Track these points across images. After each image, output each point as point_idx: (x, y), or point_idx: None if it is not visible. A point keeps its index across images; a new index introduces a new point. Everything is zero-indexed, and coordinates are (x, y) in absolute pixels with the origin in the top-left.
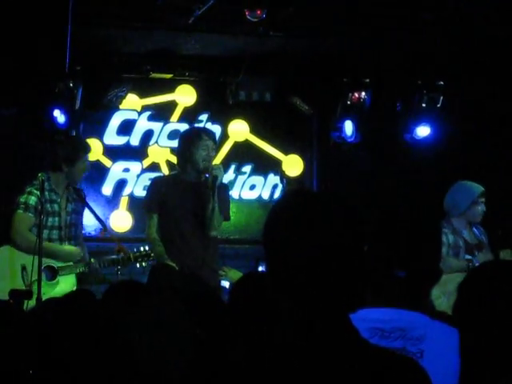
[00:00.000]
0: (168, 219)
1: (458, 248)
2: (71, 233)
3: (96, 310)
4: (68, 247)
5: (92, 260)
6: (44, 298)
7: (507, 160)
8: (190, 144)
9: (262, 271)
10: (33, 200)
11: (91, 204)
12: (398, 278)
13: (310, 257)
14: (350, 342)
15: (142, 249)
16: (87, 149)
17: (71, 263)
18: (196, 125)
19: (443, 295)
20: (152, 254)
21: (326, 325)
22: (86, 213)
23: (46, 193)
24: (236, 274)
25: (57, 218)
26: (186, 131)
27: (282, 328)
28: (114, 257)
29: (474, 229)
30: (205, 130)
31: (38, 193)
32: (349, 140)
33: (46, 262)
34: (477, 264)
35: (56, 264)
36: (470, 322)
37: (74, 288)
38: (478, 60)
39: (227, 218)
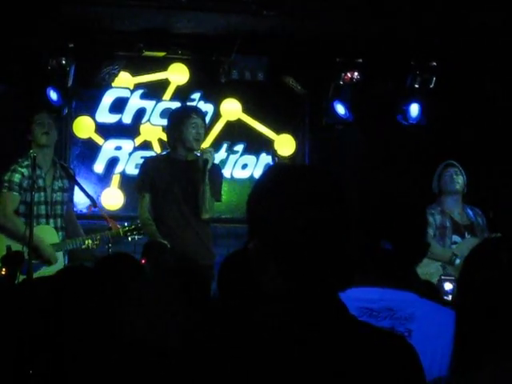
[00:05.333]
0: (159, 199)
1: (445, 228)
2: (57, 210)
3: (89, 285)
4: (51, 250)
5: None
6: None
7: (499, 141)
8: (179, 122)
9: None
10: (16, 177)
11: (83, 181)
12: (386, 254)
13: (295, 232)
14: (339, 318)
15: (132, 223)
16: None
17: (58, 241)
18: (188, 103)
19: (422, 276)
20: (142, 231)
21: (314, 302)
22: (76, 190)
23: (30, 169)
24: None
25: (42, 193)
26: (175, 110)
27: (267, 306)
28: (103, 233)
29: (469, 210)
30: (193, 108)
31: (23, 170)
32: (341, 120)
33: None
34: (458, 259)
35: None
36: (471, 302)
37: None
38: (471, 41)
39: (218, 199)
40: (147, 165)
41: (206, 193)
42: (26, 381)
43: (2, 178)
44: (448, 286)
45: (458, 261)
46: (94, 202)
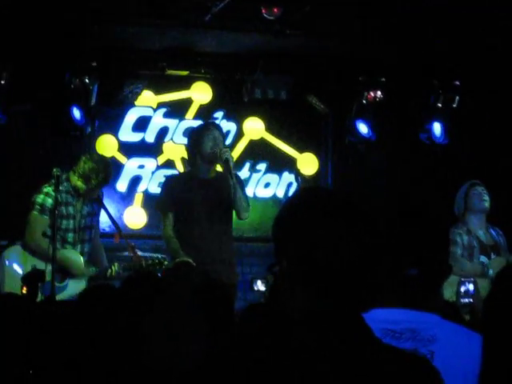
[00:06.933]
0: (182, 217)
1: (472, 248)
2: (85, 236)
3: (112, 304)
4: (78, 261)
5: (115, 267)
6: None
7: None
8: (197, 136)
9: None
10: (49, 202)
11: (106, 200)
12: (410, 277)
13: (323, 254)
14: (364, 340)
15: (155, 256)
16: (104, 183)
17: (83, 267)
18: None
19: (455, 295)
20: (165, 263)
21: (339, 323)
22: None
23: (63, 195)
24: None
25: (71, 221)
26: (194, 127)
27: (292, 329)
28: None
29: (491, 230)
30: (211, 122)
31: (55, 194)
32: (364, 139)
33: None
34: (490, 269)
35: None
36: (498, 328)
37: None
38: (494, 60)
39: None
40: (169, 183)
41: (237, 191)
42: None
43: (34, 199)
44: (471, 287)
45: (491, 271)
46: (120, 231)
